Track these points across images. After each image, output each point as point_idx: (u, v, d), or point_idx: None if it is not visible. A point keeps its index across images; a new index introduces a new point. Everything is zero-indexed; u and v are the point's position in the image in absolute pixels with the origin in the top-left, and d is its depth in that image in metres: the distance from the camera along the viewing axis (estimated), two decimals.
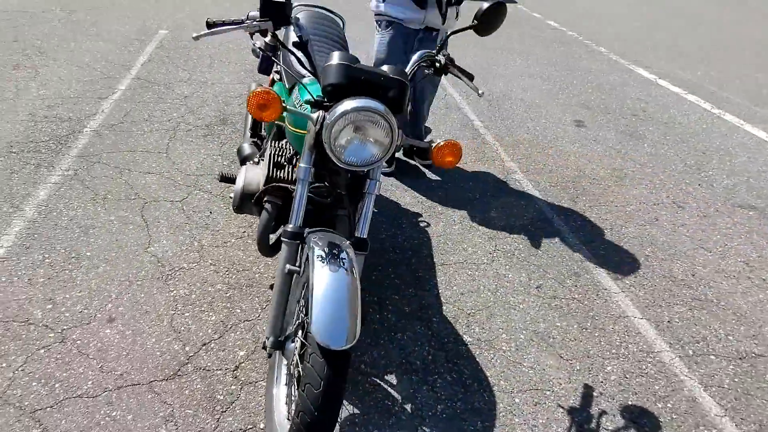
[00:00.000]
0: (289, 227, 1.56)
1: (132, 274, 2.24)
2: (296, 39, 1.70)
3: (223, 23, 1.62)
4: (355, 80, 1.47)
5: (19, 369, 1.79)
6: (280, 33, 1.77)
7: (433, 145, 1.57)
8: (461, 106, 4.36)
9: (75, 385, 1.76)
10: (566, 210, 3.09)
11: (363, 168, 1.53)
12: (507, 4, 1.70)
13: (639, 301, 2.44)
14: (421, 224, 2.81)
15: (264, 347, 1.58)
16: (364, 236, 1.61)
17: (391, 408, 1.82)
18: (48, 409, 1.68)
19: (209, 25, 1.63)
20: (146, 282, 2.20)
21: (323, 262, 1.41)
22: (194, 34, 1.56)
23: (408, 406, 1.83)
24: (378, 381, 1.91)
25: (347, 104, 1.42)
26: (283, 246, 1.56)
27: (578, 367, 2.06)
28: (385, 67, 1.55)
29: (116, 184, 2.80)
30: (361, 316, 1.52)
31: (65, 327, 1.96)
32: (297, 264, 1.56)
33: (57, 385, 1.75)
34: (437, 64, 1.76)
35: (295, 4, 2.71)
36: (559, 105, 4.66)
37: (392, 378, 1.93)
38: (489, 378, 1.98)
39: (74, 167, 2.90)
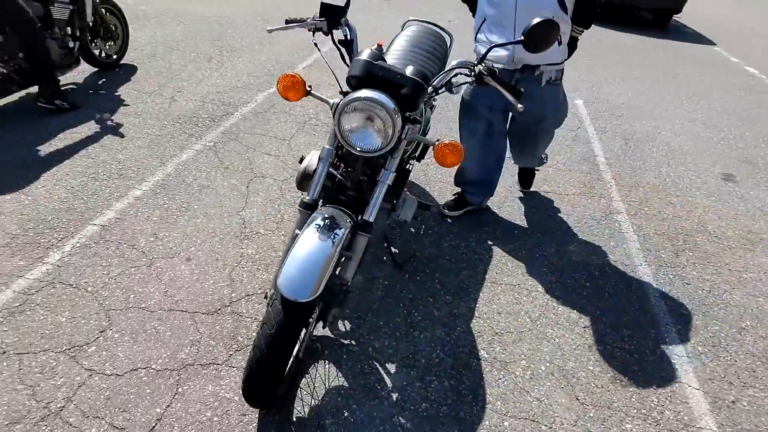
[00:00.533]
0: (306, 198, 1.78)
1: (219, 229, 2.67)
2: (342, 38, 1.92)
3: (294, 21, 1.92)
4: (373, 75, 1.63)
5: (113, 278, 2.29)
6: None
7: (436, 143, 1.66)
8: (591, 140, 4.16)
9: (143, 300, 2.20)
10: (661, 261, 2.79)
11: (368, 155, 1.68)
12: (570, 24, 1.70)
13: (704, 371, 2.14)
14: (489, 241, 2.81)
15: (265, 296, 1.82)
16: (370, 220, 1.76)
17: (378, 392, 1.92)
18: (118, 311, 2.14)
19: (286, 22, 1.94)
20: (227, 237, 2.61)
21: (315, 229, 1.60)
22: (268, 28, 1.88)
23: (394, 395, 1.91)
24: (377, 365, 2.02)
25: (356, 94, 1.59)
26: (298, 213, 1.78)
27: (592, 414, 1.92)
28: (409, 68, 1.68)
29: (240, 159, 3.32)
30: (340, 296, 1.68)
31: (155, 256, 2.44)
32: None
33: (132, 296, 2.21)
34: (474, 74, 1.83)
35: (409, 18, 2.96)
36: (712, 155, 4.15)
37: (392, 367, 2.02)
38: (487, 395, 1.95)
39: (215, 140, 3.51)
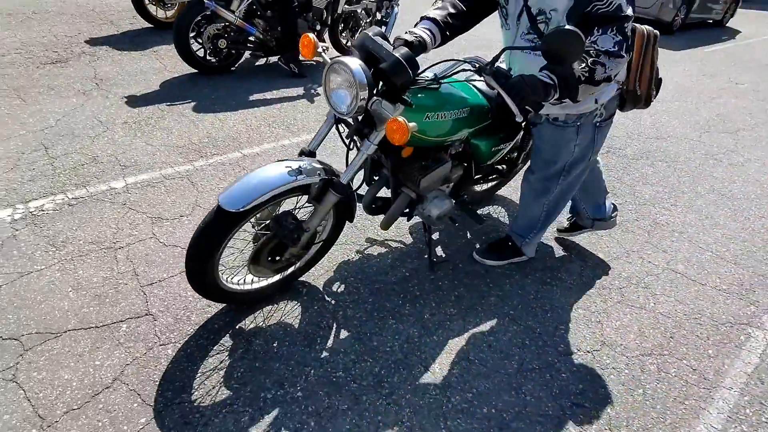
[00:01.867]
0: (305, 147, 2.02)
1: None
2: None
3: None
4: (365, 48, 1.76)
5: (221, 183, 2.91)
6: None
7: (389, 119, 1.67)
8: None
9: None
10: None
11: (342, 116, 1.80)
12: (581, 37, 1.49)
13: None
14: (545, 282, 2.49)
15: None
16: (343, 182, 1.89)
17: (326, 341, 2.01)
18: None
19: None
20: None
21: (280, 164, 1.84)
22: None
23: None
24: (340, 320, 2.11)
25: (339, 57, 1.74)
26: None
27: None
28: (401, 50, 1.73)
29: None
30: (294, 236, 1.88)
31: None
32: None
33: None
34: (476, 69, 1.75)
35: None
36: None
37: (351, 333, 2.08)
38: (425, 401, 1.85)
39: None
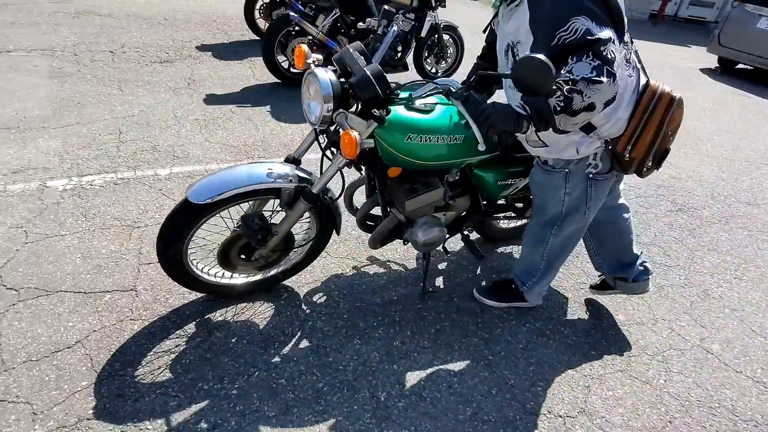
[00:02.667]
0: (290, 153, 2.07)
1: None
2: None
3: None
4: (342, 62, 1.77)
5: None
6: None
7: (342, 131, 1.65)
8: None
9: None
10: None
11: (313, 125, 1.82)
12: (548, 64, 1.37)
13: None
14: (539, 334, 2.26)
15: None
16: (314, 191, 1.90)
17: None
18: None
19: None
20: None
21: (253, 165, 1.90)
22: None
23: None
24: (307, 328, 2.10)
25: (314, 69, 1.76)
26: None
27: None
28: (372, 66, 1.71)
29: None
30: (259, 236, 1.93)
31: None
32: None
33: None
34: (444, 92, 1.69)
35: None
36: None
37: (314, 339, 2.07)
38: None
39: None
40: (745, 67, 8.64)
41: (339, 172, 1.95)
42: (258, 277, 2.22)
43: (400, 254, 2.67)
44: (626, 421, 1.92)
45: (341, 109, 1.73)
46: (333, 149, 1.95)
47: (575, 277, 2.70)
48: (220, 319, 2.11)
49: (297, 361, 1.98)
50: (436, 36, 5.04)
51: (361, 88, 1.68)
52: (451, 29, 5.18)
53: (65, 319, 2.00)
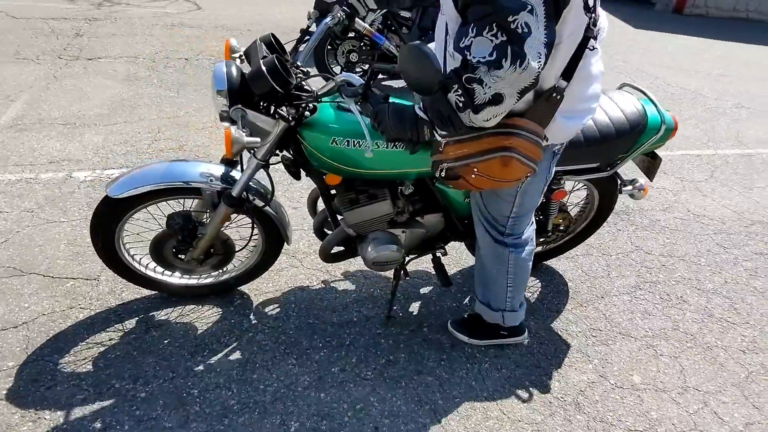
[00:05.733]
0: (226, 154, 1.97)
1: None
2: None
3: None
4: (247, 53, 1.68)
5: None
6: None
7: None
8: None
9: None
10: None
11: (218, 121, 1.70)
12: (423, 51, 1.14)
13: None
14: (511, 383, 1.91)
15: None
16: (233, 194, 1.79)
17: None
18: None
19: None
20: None
21: (176, 163, 1.84)
22: None
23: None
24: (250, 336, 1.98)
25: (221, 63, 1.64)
26: None
27: None
28: (269, 59, 1.55)
29: None
30: (184, 233, 1.85)
31: None
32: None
33: None
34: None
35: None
36: None
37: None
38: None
39: None
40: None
41: (267, 175, 1.79)
42: (209, 280, 2.13)
43: (386, 273, 2.45)
44: None
45: (238, 105, 1.59)
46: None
47: (591, 321, 2.28)
48: (162, 318, 2.06)
49: (219, 372, 1.85)
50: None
51: (253, 82, 1.53)
52: None
53: (24, 300, 2.07)
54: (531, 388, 1.92)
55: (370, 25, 4.47)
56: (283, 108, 1.60)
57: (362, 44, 4.53)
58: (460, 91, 1.18)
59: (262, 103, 1.64)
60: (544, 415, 1.82)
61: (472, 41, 1.16)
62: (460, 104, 1.20)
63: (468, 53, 1.16)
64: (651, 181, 2.16)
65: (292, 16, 7.17)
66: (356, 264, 2.44)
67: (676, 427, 1.83)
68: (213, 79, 1.58)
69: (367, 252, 1.87)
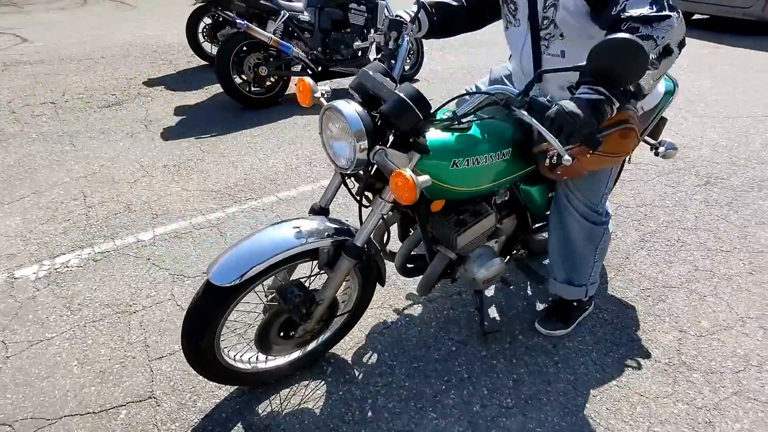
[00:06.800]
0: (315, 204, 1.73)
1: None
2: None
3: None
4: (363, 88, 1.43)
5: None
6: None
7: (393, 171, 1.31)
8: None
9: None
10: None
11: (342, 171, 1.48)
12: (638, 43, 1.09)
13: None
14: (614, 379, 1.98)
15: None
16: (357, 244, 1.55)
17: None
18: None
19: None
20: None
21: (278, 226, 1.56)
22: None
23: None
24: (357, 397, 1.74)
25: (334, 102, 1.41)
26: None
27: None
28: (405, 85, 1.38)
29: None
30: (304, 307, 1.58)
31: None
32: None
33: None
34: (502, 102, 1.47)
35: None
36: None
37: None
38: None
39: None
40: (702, 16, 8.64)
41: (382, 218, 1.60)
42: (296, 354, 1.85)
43: (440, 290, 2.34)
44: None
45: (378, 146, 1.38)
46: (370, 194, 1.61)
47: (636, 283, 2.43)
48: (265, 414, 1.73)
49: None
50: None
51: (399, 116, 1.34)
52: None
53: None
54: (642, 362, 2.01)
55: (273, 33, 4.17)
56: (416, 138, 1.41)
57: (268, 55, 4.21)
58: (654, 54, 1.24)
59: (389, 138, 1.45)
60: (671, 385, 1.91)
61: (625, 3, 1.26)
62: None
63: (623, 13, 1.26)
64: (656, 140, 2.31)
65: (143, 33, 6.38)
66: (399, 288, 2.31)
67: (760, 356, 2.06)
68: (344, 121, 1.36)
69: (476, 272, 1.78)
